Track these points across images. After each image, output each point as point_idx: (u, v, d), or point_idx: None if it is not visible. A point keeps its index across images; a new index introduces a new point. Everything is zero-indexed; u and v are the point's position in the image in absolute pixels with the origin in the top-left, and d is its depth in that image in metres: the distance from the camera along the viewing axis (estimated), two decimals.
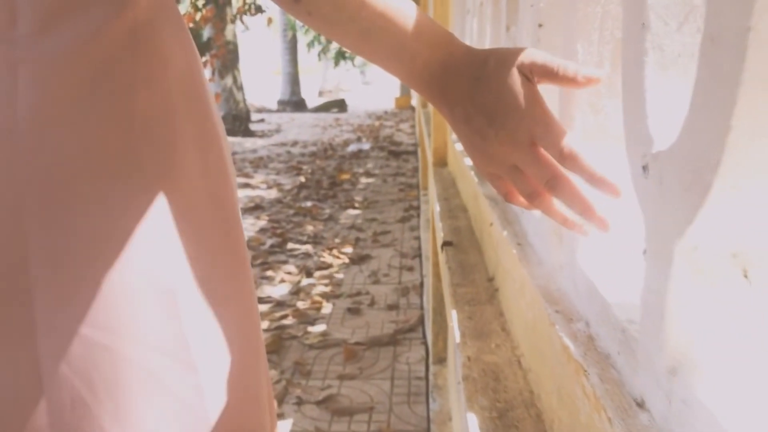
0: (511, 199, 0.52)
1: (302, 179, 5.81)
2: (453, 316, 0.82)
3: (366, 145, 7.95)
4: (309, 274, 3.21)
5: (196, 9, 8.13)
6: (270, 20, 9.10)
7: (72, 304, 0.43)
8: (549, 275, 0.65)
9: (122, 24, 0.47)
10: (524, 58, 0.49)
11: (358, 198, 5.01)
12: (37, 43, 0.43)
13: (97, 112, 0.45)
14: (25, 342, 0.43)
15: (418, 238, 3.82)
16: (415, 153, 7.08)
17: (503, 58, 0.50)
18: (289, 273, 3.22)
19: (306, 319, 2.64)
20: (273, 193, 5.24)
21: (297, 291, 2.97)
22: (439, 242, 1.25)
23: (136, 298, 0.45)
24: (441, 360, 2.14)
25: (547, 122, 0.47)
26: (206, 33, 8.82)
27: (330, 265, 3.35)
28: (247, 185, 5.58)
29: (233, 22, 9.03)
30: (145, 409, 0.46)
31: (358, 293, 2.93)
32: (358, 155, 7.29)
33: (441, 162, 2.03)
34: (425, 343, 2.41)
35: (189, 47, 0.53)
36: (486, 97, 0.49)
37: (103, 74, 0.45)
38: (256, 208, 4.72)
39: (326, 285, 3.05)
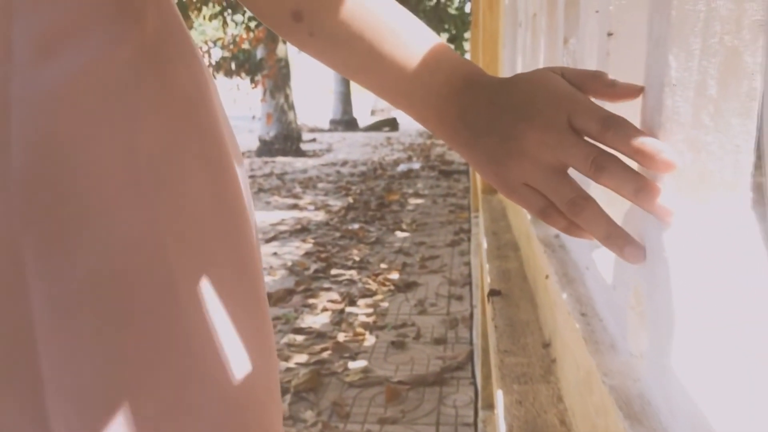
0: (549, 215, 0.44)
1: (350, 200, 5.70)
2: (498, 399, 0.66)
3: (416, 165, 7.81)
4: (352, 303, 3.06)
5: (249, 29, 8.19)
6: None
7: (78, 358, 0.40)
8: (627, 371, 0.48)
9: (126, 50, 0.42)
10: (556, 66, 0.46)
11: (407, 220, 4.86)
12: (33, 76, 0.39)
13: (98, 146, 0.41)
14: (33, 401, 0.40)
15: (468, 263, 3.63)
16: (466, 172, 6.89)
17: (532, 70, 0.47)
18: (332, 301, 3.08)
19: (347, 352, 2.49)
20: (320, 215, 5.14)
21: (339, 321, 2.82)
22: (486, 286, 1.08)
23: (147, 350, 0.42)
24: (491, 405, 1.96)
25: (586, 100, 0.42)
26: (258, 53, 8.88)
27: (375, 293, 3.20)
28: (295, 206, 5.51)
29: (285, 42, 9.06)
30: None
31: (404, 324, 2.77)
32: (408, 175, 7.15)
33: (490, 189, 1.85)
34: (474, 384, 2.22)
35: (198, 70, 0.49)
36: (515, 96, 0.45)
37: (105, 104, 0.41)
38: (302, 230, 4.62)
39: (370, 315, 2.90)
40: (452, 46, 0.61)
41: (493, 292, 0.97)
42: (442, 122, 0.48)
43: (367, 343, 2.59)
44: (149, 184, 0.42)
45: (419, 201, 5.65)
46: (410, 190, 6.15)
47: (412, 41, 0.47)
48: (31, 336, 0.39)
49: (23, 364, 0.40)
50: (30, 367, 0.40)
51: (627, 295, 0.49)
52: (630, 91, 0.43)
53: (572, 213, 0.41)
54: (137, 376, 0.42)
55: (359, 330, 2.70)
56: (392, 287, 3.27)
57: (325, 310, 2.97)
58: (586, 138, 0.42)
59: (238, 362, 0.46)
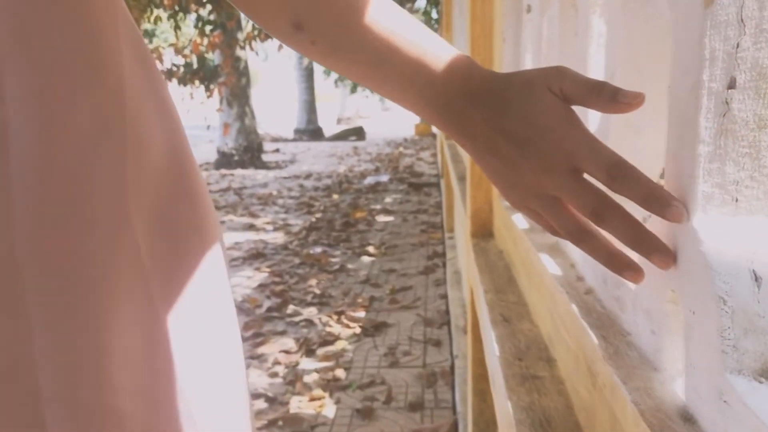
0: (556, 234, 0.45)
1: (313, 219, 5.20)
2: None
3: (384, 177, 7.34)
4: (310, 352, 2.57)
5: (203, 34, 7.64)
6: (281, 46, 8.57)
7: (76, 369, 0.39)
8: None
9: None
10: (554, 76, 0.43)
11: (374, 241, 4.39)
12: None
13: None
14: (32, 415, 0.39)
15: (444, 296, 3.17)
16: (437, 185, 6.45)
17: (530, 79, 0.44)
18: (286, 351, 2.58)
19: (301, 426, 2.00)
20: (279, 237, 4.63)
21: (293, 379, 2.33)
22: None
23: (138, 356, 0.41)
24: None
25: (589, 141, 0.41)
26: (216, 59, 8.32)
27: (337, 337, 2.71)
28: (251, 227, 4.99)
29: (243, 48, 8.52)
30: None
31: (372, 382, 2.28)
32: (376, 188, 6.68)
33: (484, 232, 1.39)
34: None
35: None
36: (514, 124, 0.43)
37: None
38: (257, 255, 4.11)
39: (330, 369, 2.41)
40: (452, 48, 0.47)
41: None
42: (447, 130, 0.48)
43: (326, 412, 2.10)
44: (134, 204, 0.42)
45: (388, 219, 5.18)
46: (378, 206, 5.68)
47: (410, 47, 0.46)
48: (31, 351, 0.37)
49: (23, 380, 0.38)
50: (30, 383, 0.38)
51: None
52: (634, 103, 0.40)
53: (599, 221, 0.41)
54: (130, 378, 0.41)
55: (317, 393, 2.20)
56: (357, 329, 2.79)
57: (277, 363, 2.48)
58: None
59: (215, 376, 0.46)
